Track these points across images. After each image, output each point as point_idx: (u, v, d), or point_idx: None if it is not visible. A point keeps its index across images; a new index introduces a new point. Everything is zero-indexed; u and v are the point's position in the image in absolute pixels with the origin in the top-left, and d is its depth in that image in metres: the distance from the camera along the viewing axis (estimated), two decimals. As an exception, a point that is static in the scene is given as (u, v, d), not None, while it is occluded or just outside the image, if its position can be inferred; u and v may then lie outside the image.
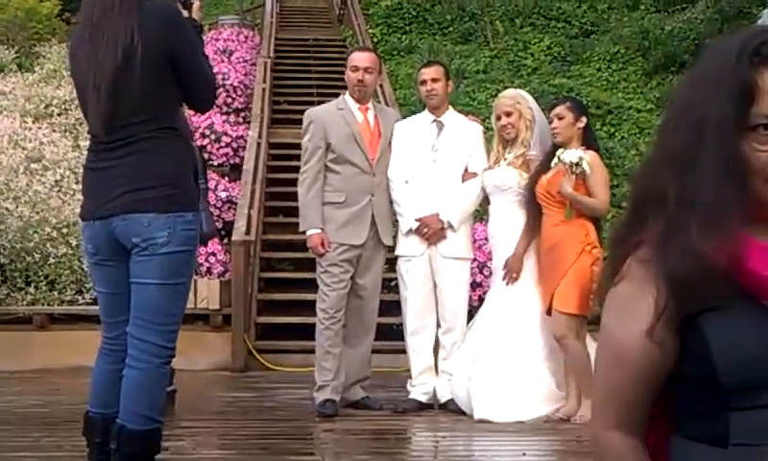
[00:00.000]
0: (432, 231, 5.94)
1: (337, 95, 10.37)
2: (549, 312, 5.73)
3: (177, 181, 3.36)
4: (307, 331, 8.15)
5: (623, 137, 11.03)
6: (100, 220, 3.35)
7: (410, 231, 6.00)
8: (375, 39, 14.35)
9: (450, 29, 14.42)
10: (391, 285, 7.26)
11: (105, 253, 3.39)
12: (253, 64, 13.39)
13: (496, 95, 12.15)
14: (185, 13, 3.48)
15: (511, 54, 13.31)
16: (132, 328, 3.32)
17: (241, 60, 13.35)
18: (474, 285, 7.20)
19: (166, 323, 3.33)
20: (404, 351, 6.50)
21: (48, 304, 8.47)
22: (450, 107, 6.28)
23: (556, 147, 5.78)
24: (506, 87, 11.87)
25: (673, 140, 1.46)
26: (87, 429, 3.50)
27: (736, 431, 1.40)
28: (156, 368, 3.31)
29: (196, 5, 3.59)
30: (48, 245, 8.50)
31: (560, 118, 5.83)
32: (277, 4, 17.35)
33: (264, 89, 12.03)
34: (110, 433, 3.36)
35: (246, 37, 14.87)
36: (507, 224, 5.94)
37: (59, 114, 11.08)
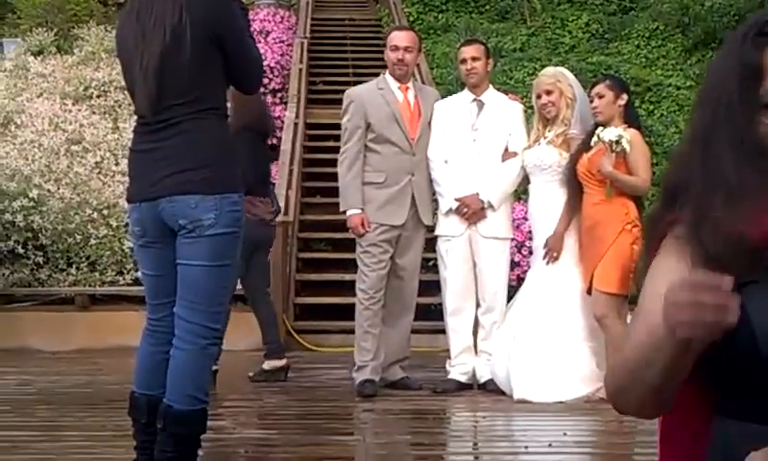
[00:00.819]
0: (472, 211, 5.92)
1: (373, 75, 10.38)
2: (590, 291, 5.70)
3: (222, 162, 3.37)
4: (345, 312, 8.20)
5: (662, 115, 10.92)
6: (146, 202, 3.36)
7: (450, 211, 5.98)
8: (411, 18, 14.29)
9: (487, 7, 14.33)
10: (429, 265, 7.25)
11: (151, 235, 3.40)
12: (290, 45, 13.39)
13: (534, 73, 12.17)
14: None
15: (548, 31, 13.20)
16: (178, 310, 3.34)
17: (277, 40, 13.35)
18: (513, 265, 7.16)
19: (212, 304, 3.34)
20: (442, 332, 6.50)
21: (89, 285, 8.56)
22: (490, 85, 6.24)
23: (597, 125, 5.73)
24: (543, 66, 11.80)
25: (696, 122, 1.50)
26: (133, 409, 3.53)
27: None
28: (203, 349, 3.33)
29: None
30: (89, 226, 8.59)
31: (600, 97, 5.78)
32: (314, -17, 17.29)
33: (301, 70, 12.03)
34: (156, 413, 3.38)
35: (282, 18, 14.85)
36: (547, 203, 5.90)
37: (98, 96, 11.15)
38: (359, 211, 5.90)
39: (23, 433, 4.91)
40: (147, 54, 3.29)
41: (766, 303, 1.39)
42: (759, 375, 1.40)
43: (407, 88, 6.08)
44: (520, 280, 6.94)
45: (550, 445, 4.57)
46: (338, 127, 10.69)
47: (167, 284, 3.41)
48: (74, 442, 4.66)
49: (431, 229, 6.21)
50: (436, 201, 6.15)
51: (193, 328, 3.32)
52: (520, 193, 6.69)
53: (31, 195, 8.55)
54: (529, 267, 7.43)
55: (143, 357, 3.53)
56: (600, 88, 5.82)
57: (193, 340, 3.32)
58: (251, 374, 6.35)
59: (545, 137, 5.92)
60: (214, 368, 6.14)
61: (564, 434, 4.86)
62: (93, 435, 4.85)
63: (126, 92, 10.91)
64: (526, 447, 4.64)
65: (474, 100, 6.08)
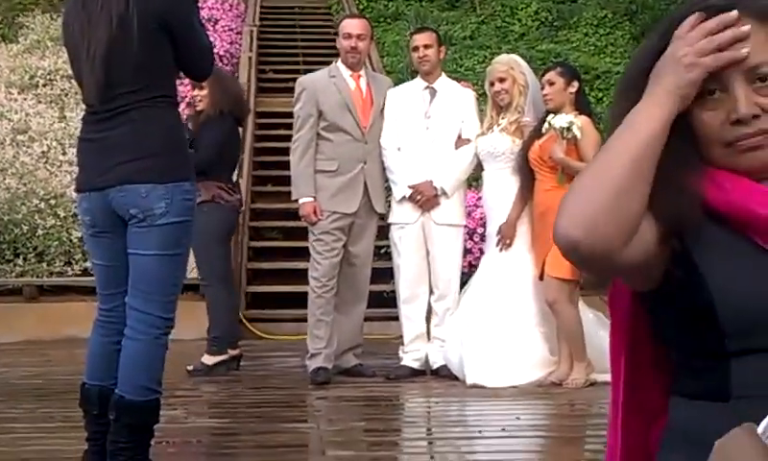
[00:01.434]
0: (425, 198, 5.93)
1: (323, 63, 10.33)
2: (542, 277, 5.74)
3: (174, 150, 3.33)
4: (297, 300, 8.17)
5: (611, 102, 11.02)
6: (96, 192, 3.31)
7: (403, 199, 5.99)
8: (361, 6, 14.25)
9: (434, -5, 14.35)
10: (381, 253, 7.26)
11: (102, 224, 3.36)
12: (239, 33, 13.29)
13: (484, 61, 12.22)
14: None
15: (498, 19, 13.25)
16: (130, 300, 3.30)
17: (226, 28, 13.25)
18: (464, 252, 7.19)
19: (165, 294, 3.31)
20: (395, 319, 6.51)
21: (37, 276, 8.45)
22: (443, 73, 6.25)
23: (548, 113, 5.77)
24: (493, 54, 11.86)
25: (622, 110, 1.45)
26: (84, 401, 3.49)
27: (737, 381, 1.38)
28: (155, 339, 3.30)
29: None
30: (36, 217, 8.48)
31: (551, 84, 5.81)
32: (262, -29, 17.17)
33: (250, 58, 11.95)
34: (107, 404, 3.35)
35: (230, 6, 14.72)
36: (500, 190, 5.93)
37: (44, 85, 10.99)
38: (311, 200, 5.89)
39: (-29, 426, 4.83)
40: (93, 42, 3.24)
41: (721, 266, 1.39)
42: (715, 346, 1.40)
43: (359, 76, 6.07)
44: (472, 267, 6.98)
45: (503, 429, 4.60)
46: (289, 115, 10.63)
47: (118, 274, 3.37)
48: (24, 434, 4.60)
49: (383, 216, 6.21)
50: (388, 189, 6.15)
51: (146, 319, 3.28)
52: (472, 180, 6.71)
53: (-24, 185, 8.42)
54: (480, 254, 7.48)
55: (94, 348, 3.49)
56: (551, 75, 5.85)
57: (146, 330, 3.28)
58: (189, 367, 6.25)
59: (498, 125, 5.94)
60: (237, 352, 6.29)
61: (518, 418, 4.90)
62: (44, 426, 4.79)
63: (72, 81, 10.84)
64: (480, 431, 4.67)
65: (427, 87, 6.08)
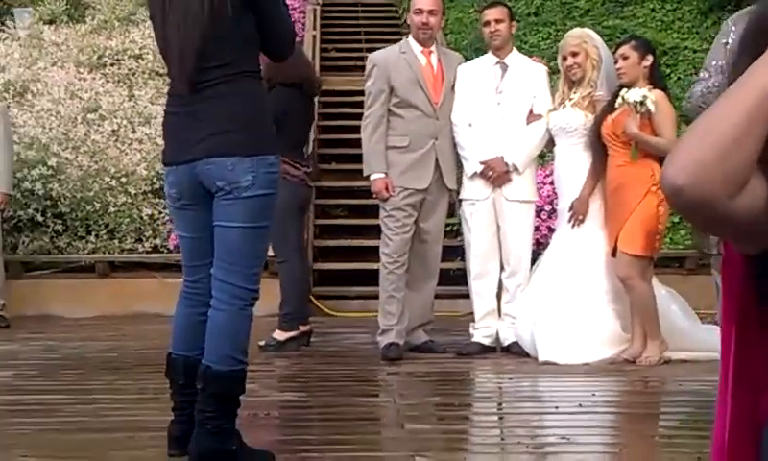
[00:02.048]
0: (497, 174, 5.91)
1: (385, 41, 10.34)
2: (614, 254, 5.70)
3: (259, 123, 3.36)
4: (363, 277, 8.23)
5: (679, 78, 10.82)
6: (183, 165, 3.36)
7: (474, 175, 5.97)
8: (424, -16, 14.18)
9: (500, -28, 14.21)
10: (447, 230, 7.25)
11: (188, 197, 3.40)
12: (302, 12, 13.32)
13: (548, 38, 12.10)
14: None
15: (563, -5, 13.10)
16: (216, 271, 3.34)
17: (290, 7, 13.25)
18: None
19: (250, 265, 3.35)
20: (462, 296, 6.50)
21: (108, 253, 8.60)
22: (514, 48, 6.21)
23: (622, 87, 5.70)
24: (558, 30, 11.75)
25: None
26: (170, 371, 3.54)
27: None
28: (240, 310, 3.34)
29: None
30: (107, 194, 8.61)
31: (624, 58, 5.75)
32: (324, -50, 17.20)
33: (314, 37, 11.98)
34: (192, 374, 3.40)
35: (293, -16, 14.79)
36: (572, 166, 5.89)
37: (111, 65, 11.11)
38: (383, 175, 5.90)
39: (54, 396, 4.95)
40: (183, 27, 3.27)
41: None
42: None
43: (430, 52, 6.05)
44: (539, 244, 6.95)
45: (580, 405, 4.59)
46: (351, 93, 10.79)
47: (203, 246, 3.41)
48: (105, 404, 4.69)
49: (455, 192, 6.20)
50: (460, 165, 6.13)
51: (231, 290, 3.32)
52: (538, 157, 6.67)
53: (49, 163, 8.56)
54: (548, 231, 7.46)
55: (180, 319, 3.54)
56: (625, 49, 5.78)
57: (230, 301, 3.32)
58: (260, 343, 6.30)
59: (571, 99, 5.89)
60: (307, 328, 6.37)
61: (593, 394, 4.87)
62: (123, 398, 4.89)
63: (140, 61, 10.99)
64: (556, 406, 4.65)
65: (498, 63, 6.05)
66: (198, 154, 3.30)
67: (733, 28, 4.18)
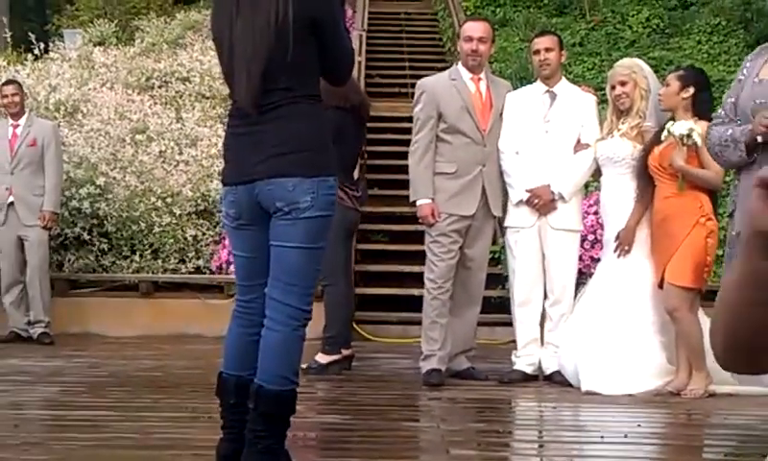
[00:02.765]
0: (543, 203, 5.91)
1: (429, 69, 10.39)
2: (661, 285, 5.67)
3: (319, 145, 3.40)
4: (404, 303, 8.25)
5: (724, 111, 10.81)
6: (243, 185, 3.40)
7: (520, 202, 5.98)
8: (469, 12, 14.23)
9: (545, 1, 14.26)
10: (490, 258, 7.24)
11: (247, 217, 3.44)
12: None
13: (593, 68, 12.09)
14: None
15: (608, 26, 13.11)
16: (271, 291, 3.38)
17: (335, 33, 13.39)
18: (576, 258, 7.15)
19: (305, 286, 3.38)
20: (502, 324, 6.48)
21: (152, 272, 8.68)
22: (563, 77, 6.22)
23: (672, 119, 5.70)
24: (603, 61, 11.75)
25: None
26: (221, 390, 3.56)
27: None
28: (294, 330, 3.37)
29: None
30: (153, 214, 8.70)
31: (666, 85, 5.77)
32: (369, -23, 17.35)
33: (360, 62, 12.06)
34: (243, 394, 3.42)
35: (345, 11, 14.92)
36: (619, 196, 5.88)
37: (159, 87, 11.28)
38: (430, 201, 5.92)
39: (101, 413, 5.00)
40: (254, 54, 3.32)
41: None
42: None
43: (479, 79, 6.08)
44: (582, 273, 6.92)
45: (626, 435, 4.56)
46: (395, 120, 10.83)
47: (259, 266, 3.45)
48: (152, 422, 4.74)
49: (500, 220, 6.21)
50: (505, 192, 6.14)
51: (285, 310, 3.35)
52: (588, 184, 6.67)
53: (97, 182, 8.67)
54: (591, 260, 7.43)
55: (233, 339, 3.57)
56: (669, 77, 5.83)
57: (286, 321, 3.35)
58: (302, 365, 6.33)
59: (619, 129, 5.89)
60: (349, 352, 6.37)
61: (639, 425, 4.84)
62: (170, 416, 4.93)
63: (187, 83, 11.13)
64: (602, 436, 4.63)
65: (547, 91, 6.06)
66: (259, 174, 3.34)
67: (748, 64, 4.05)
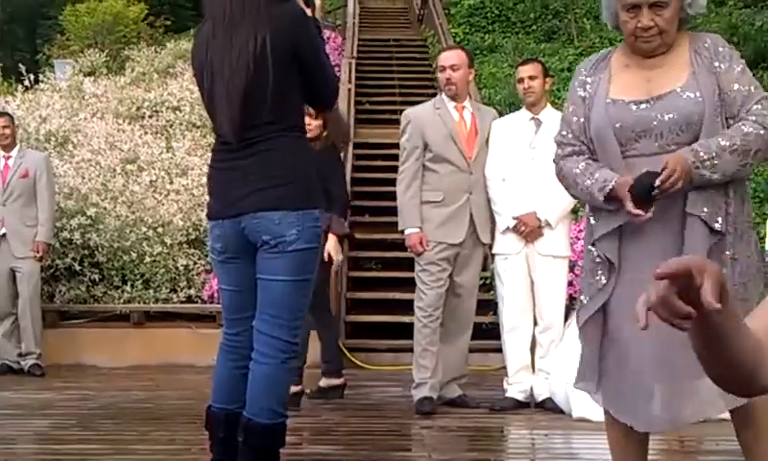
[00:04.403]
0: (530, 230, 5.94)
1: (419, 95, 10.43)
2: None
3: (304, 178, 3.43)
4: (396, 330, 8.26)
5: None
6: (229, 218, 3.43)
7: (507, 229, 6.00)
8: (458, 39, 14.35)
9: (534, 27, 14.38)
10: (480, 284, 7.26)
11: (233, 250, 3.46)
12: (337, 65, 13.48)
13: (581, 93, 12.13)
14: (308, 12, 3.52)
15: (596, 51, 13.18)
16: (259, 324, 3.39)
17: (325, 60, 13.45)
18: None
19: (292, 319, 3.40)
20: (494, 350, 6.49)
21: (143, 302, 8.68)
22: (548, 104, 6.27)
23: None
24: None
25: None
26: (211, 424, 3.58)
27: None
28: (282, 363, 3.38)
29: (318, 3, 3.63)
30: (144, 244, 8.71)
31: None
32: (358, 5, 17.46)
33: (350, 90, 12.12)
34: (233, 427, 3.44)
35: (328, 38, 14.99)
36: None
37: (149, 116, 11.32)
38: (417, 230, 5.95)
39: (91, 447, 5.00)
40: (232, 82, 3.35)
41: None
42: None
43: (463, 108, 6.12)
44: (572, 299, 6.93)
45: (615, 463, 4.55)
46: (385, 146, 10.88)
47: (246, 299, 3.47)
48: (143, 455, 4.74)
49: (489, 246, 6.23)
50: (493, 219, 6.16)
51: (274, 343, 3.37)
52: (577, 210, 6.70)
53: (88, 213, 8.69)
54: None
55: (220, 372, 3.58)
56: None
57: (274, 354, 3.37)
58: (308, 390, 6.40)
59: (605, 156, 5.91)
60: (298, 389, 6.13)
61: (629, 452, 4.83)
62: (160, 449, 4.93)
63: (177, 113, 11.17)
64: (592, 464, 4.64)
65: (532, 118, 6.10)
66: (244, 208, 3.37)
67: (589, 79, 3.32)
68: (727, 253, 3.08)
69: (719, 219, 3.07)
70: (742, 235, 3.13)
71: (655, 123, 3.02)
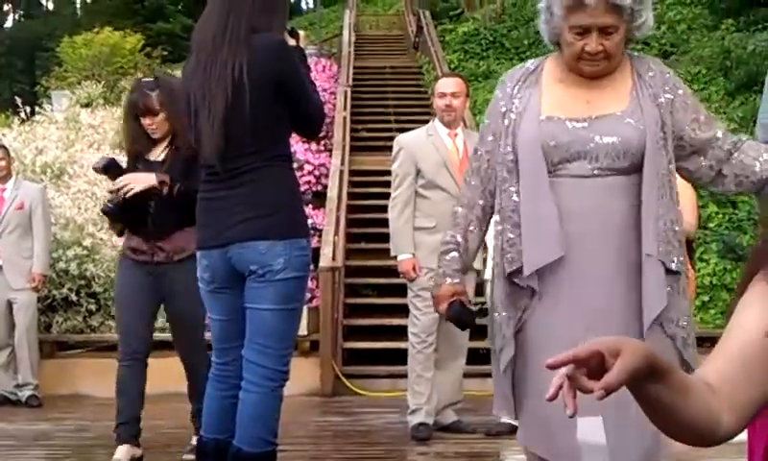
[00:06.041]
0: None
1: (414, 122, 10.48)
2: (642, 334, 5.70)
3: (291, 207, 3.46)
4: (392, 356, 8.26)
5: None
6: (217, 249, 3.45)
7: (498, 256, 6.02)
8: (453, 65, 14.43)
9: (528, 53, 14.44)
10: (476, 310, 7.28)
11: (221, 280, 3.49)
12: (333, 93, 13.57)
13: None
14: (292, 43, 3.56)
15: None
16: (248, 353, 3.41)
17: (320, 89, 13.54)
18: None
19: (281, 347, 3.42)
20: (490, 376, 6.44)
21: (140, 332, 8.65)
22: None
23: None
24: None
25: None
26: (201, 454, 3.60)
27: None
28: (271, 391, 3.40)
29: (302, 34, 3.67)
30: (140, 274, 8.69)
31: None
32: (354, 33, 17.57)
33: (345, 117, 12.18)
34: (223, 457, 3.45)
35: (324, 67, 15.09)
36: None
37: (146, 146, 11.34)
38: (410, 256, 5.97)
39: (86, 477, 5.00)
40: (213, 108, 3.39)
41: None
42: None
43: (456, 134, 6.16)
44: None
45: (609, 487, 4.56)
46: (381, 173, 10.93)
47: (235, 329, 3.49)
48: (137, 485, 4.73)
49: (478, 273, 6.25)
50: (485, 246, 6.19)
51: (263, 372, 3.39)
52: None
53: (84, 243, 8.71)
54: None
55: (211, 402, 3.60)
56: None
57: (263, 383, 3.39)
58: None
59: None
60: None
61: (622, 476, 4.84)
62: (156, 479, 4.93)
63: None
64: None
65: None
66: (231, 238, 3.39)
67: (518, 95, 2.96)
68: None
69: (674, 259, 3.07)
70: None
71: (592, 145, 2.76)
